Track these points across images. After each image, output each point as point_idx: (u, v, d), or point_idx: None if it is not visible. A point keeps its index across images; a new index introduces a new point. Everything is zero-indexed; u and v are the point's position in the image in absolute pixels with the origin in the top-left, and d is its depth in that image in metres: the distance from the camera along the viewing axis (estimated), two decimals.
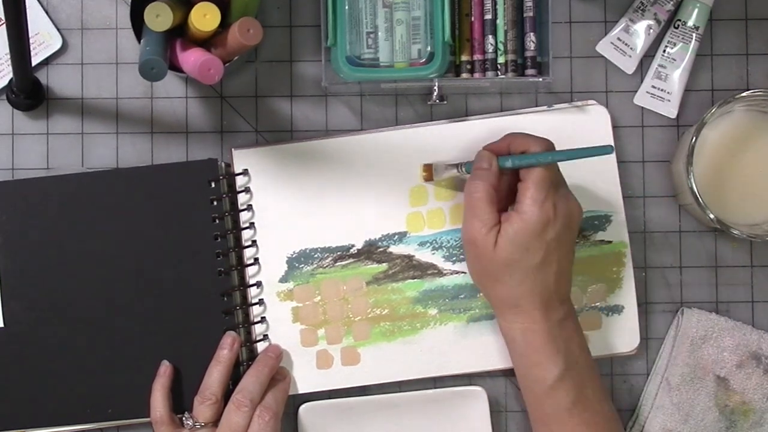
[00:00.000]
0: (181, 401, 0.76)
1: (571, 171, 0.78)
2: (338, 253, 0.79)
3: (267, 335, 0.78)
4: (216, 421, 0.74)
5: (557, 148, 0.78)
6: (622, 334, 0.79)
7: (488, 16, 0.78)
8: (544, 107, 0.79)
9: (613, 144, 0.78)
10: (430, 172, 0.78)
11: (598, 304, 0.79)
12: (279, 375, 0.77)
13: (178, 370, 0.77)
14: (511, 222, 0.69)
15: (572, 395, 0.70)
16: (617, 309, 0.79)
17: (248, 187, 0.78)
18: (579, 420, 0.70)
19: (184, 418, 0.75)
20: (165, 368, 0.76)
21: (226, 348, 0.76)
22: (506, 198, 0.73)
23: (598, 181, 0.79)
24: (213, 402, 0.73)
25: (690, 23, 0.79)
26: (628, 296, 0.79)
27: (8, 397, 0.77)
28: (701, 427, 0.78)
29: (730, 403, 0.78)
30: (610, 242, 0.79)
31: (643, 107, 0.80)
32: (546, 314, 0.70)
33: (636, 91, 0.80)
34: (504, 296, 0.71)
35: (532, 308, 0.70)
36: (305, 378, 0.78)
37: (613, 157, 0.78)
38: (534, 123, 0.79)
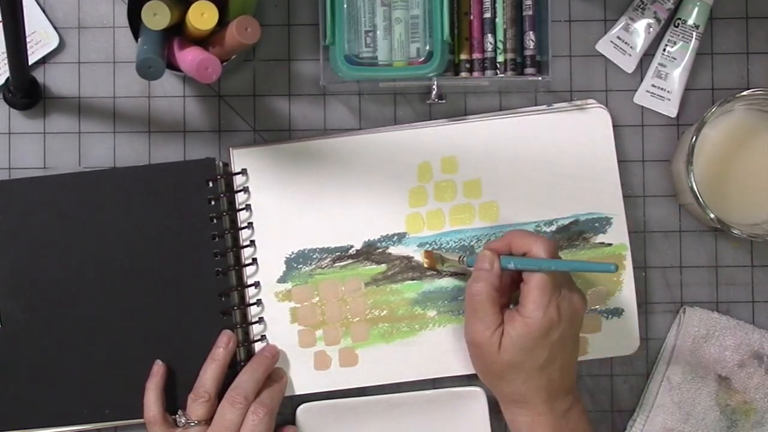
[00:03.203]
0: (179, 401, 0.76)
1: (571, 172, 0.78)
2: (337, 253, 0.79)
3: (265, 335, 0.78)
4: (209, 420, 0.73)
5: (557, 148, 0.78)
6: (622, 337, 0.79)
7: (487, 15, 0.77)
8: (544, 106, 0.79)
9: (614, 145, 0.78)
10: (432, 259, 0.78)
11: (597, 307, 0.79)
12: (276, 375, 0.77)
13: (176, 370, 0.77)
14: (514, 325, 0.69)
15: None
16: (617, 312, 0.79)
17: (246, 187, 0.78)
18: None
19: (177, 417, 0.75)
20: (158, 368, 0.76)
21: (222, 346, 0.75)
22: (509, 288, 0.73)
23: (598, 182, 0.78)
24: (206, 400, 0.73)
25: (690, 22, 0.79)
26: (628, 299, 0.79)
27: (5, 398, 0.77)
28: (702, 427, 0.78)
29: (732, 403, 0.78)
30: (610, 245, 0.79)
31: (643, 106, 0.80)
32: (551, 406, 0.70)
33: (636, 90, 0.80)
34: (509, 393, 0.71)
35: (538, 402, 0.70)
36: (303, 379, 0.78)
37: (614, 158, 0.78)
38: (534, 123, 0.78)
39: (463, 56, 0.78)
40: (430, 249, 0.78)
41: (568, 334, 0.70)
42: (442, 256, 0.77)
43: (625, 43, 0.80)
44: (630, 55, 0.80)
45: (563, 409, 0.71)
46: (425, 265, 0.78)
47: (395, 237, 0.79)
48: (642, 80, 0.80)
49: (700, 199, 0.73)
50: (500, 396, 0.73)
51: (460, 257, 0.76)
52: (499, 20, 0.77)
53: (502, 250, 0.72)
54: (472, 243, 0.79)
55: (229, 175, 0.78)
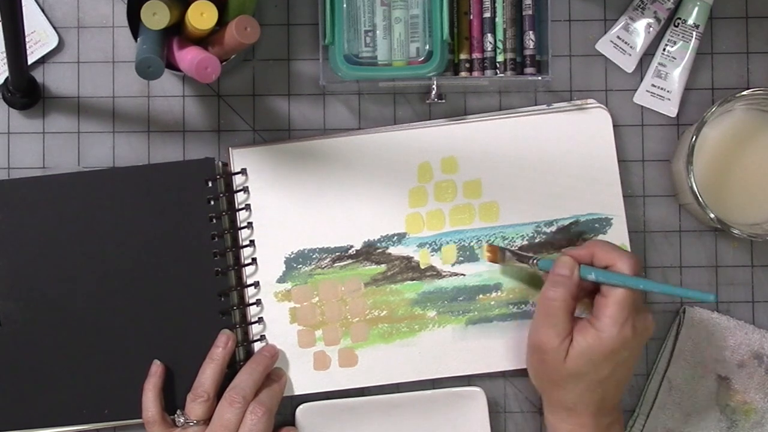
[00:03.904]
0: (178, 401, 0.76)
1: (571, 172, 0.78)
2: (337, 253, 0.78)
3: (264, 336, 0.78)
4: (208, 419, 0.73)
5: (557, 148, 0.78)
6: None
7: (487, 15, 0.77)
8: (544, 106, 0.79)
9: (615, 145, 0.78)
10: (495, 254, 0.77)
11: None
12: (275, 376, 0.77)
13: (175, 370, 0.76)
14: (585, 336, 0.69)
15: None
16: None
17: (246, 187, 0.78)
18: None
19: (176, 416, 0.74)
20: (156, 368, 0.76)
21: (221, 346, 0.75)
22: (580, 297, 0.73)
23: (598, 182, 0.78)
24: (205, 399, 0.73)
25: (690, 21, 0.79)
26: None
27: (4, 398, 0.77)
28: (702, 427, 0.78)
29: (732, 403, 0.78)
30: None
31: (643, 106, 0.80)
32: (596, 420, 0.70)
33: (636, 90, 0.80)
34: (562, 400, 0.71)
35: (586, 413, 0.70)
36: (302, 379, 0.78)
37: (614, 158, 0.78)
38: (534, 123, 0.78)
39: (463, 56, 0.78)
40: (494, 244, 0.77)
41: (635, 354, 0.70)
42: (509, 252, 0.76)
43: (625, 42, 0.80)
44: (630, 55, 0.80)
45: (606, 423, 0.71)
46: (486, 260, 0.77)
47: (395, 237, 0.79)
48: (642, 80, 0.80)
49: (700, 199, 0.73)
50: (549, 400, 0.73)
51: (532, 259, 0.75)
52: (498, 20, 0.77)
53: (583, 258, 0.71)
54: (472, 243, 0.78)
55: (228, 175, 0.78)
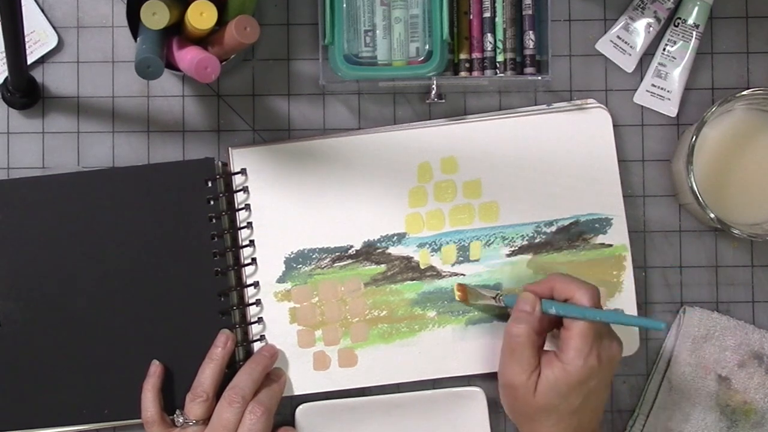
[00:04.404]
0: (178, 401, 0.76)
1: (571, 172, 0.78)
2: (336, 253, 0.78)
3: (264, 336, 0.78)
4: (207, 419, 0.73)
5: (557, 148, 0.78)
6: (622, 338, 0.78)
7: (487, 14, 0.77)
8: (543, 106, 0.79)
9: (615, 145, 0.78)
10: (464, 292, 0.77)
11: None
12: (274, 376, 0.77)
13: (175, 370, 0.76)
14: (552, 369, 0.69)
15: None
16: None
17: (245, 187, 0.78)
18: None
19: (175, 416, 0.74)
20: (155, 368, 0.76)
21: (220, 346, 0.75)
22: (546, 330, 0.73)
23: (598, 182, 0.78)
24: (204, 399, 0.73)
25: (690, 21, 0.79)
26: (628, 300, 0.78)
27: (3, 398, 0.77)
28: (702, 427, 0.77)
29: (732, 403, 0.78)
30: (610, 246, 0.78)
31: (642, 106, 0.80)
32: None
33: (636, 90, 0.80)
34: None
35: None
36: (302, 379, 0.78)
37: (614, 158, 0.78)
38: (534, 123, 0.78)
39: (463, 56, 0.78)
40: (463, 283, 0.78)
41: (605, 381, 0.70)
42: (477, 291, 0.77)
43: (625, 42, 0.79)
44: (630, 55, 0.80)
45: None
46: (457, 299, 0.78)
47: (395, 237, 0.79)
48: (642, 80, 0.80)
49: (700, 199, 0.73)
50: None
51: (497, 295, 0.75)
52: (498, 19, 0.77)
53: (544, 293, 0.72)
54: (471, 243, 0.78)
55: (228, 175, 0.78)
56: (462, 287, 0.78)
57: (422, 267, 0.79)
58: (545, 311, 0.71)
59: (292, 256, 0.78)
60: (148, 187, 0.77)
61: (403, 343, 0.78)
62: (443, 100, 0.77)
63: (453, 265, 0.79)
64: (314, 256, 0.78)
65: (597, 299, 0.70)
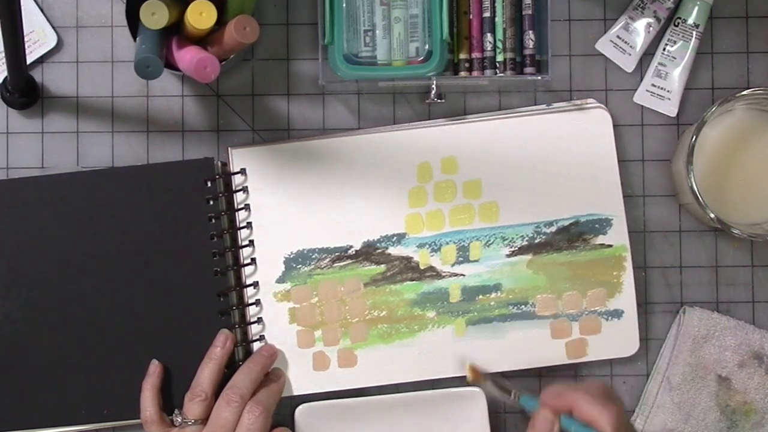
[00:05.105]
0: (177, 400, 0.76)
1: (571, 172, 0.78)
2: (336, 253, 0.78)
3: (263, 336, 0.78)
4: (206, 419, 0.73)
5: (557, 148, 0.78)
6: (622, 338, 0.78)
7: (487, 14, 0.77)
8: (543, 106, 0.79)
9: (615, 145, 0.78)
10: (477, 375, 0.75)
11: (597, 308, 0.78)
12: (274, 376, 0.77)
13: (175, 370, 0.76)
14: None
15: None
16: (617, 314, 0.78)
17: (245, 187, 0.78)
18: None
19: (174, 416, 0.74)
20: (154, 367, 0.76)
21: (219, 346, 0.75)
22: None
23: (598, 183, 0.78)
24: (203, 399, 0.73)
25: (690, 21, 0.79)
26: (628, 301, 0.78)
27: (3, 398, 0.77)
28: (702, 427, 0.77)
29: (732, 403, 0.77)
30: (610, 246, 0.78)
31: (642, 106, 0.80)
32: None
33: (636, 90, 0.80)
34: None
35: None
36: (301, 379, 0.78)
37: (614, 158, 0.78)
38: (534, 123, 0.78)
39: (463, 55, 0.78)
40: (477, 366, 0.75)
41: None
42: (492, 380, 0.74)
43: (625, 42, 0.79)
44: (630, 55, 0.79)
45: None
46: (468, 380, 0.75)
47: (395, 237, 0.79)
48: (642, 80, 0.80)
49: (700, 199, 0.73)
50: None
51: (514, 393, 0.73)
52: (498, 19, 0.77)
53: (563, 410, 0.70)
54: (471, 243, 0.78)
55: (227, 175, 0.78)
56: (475, 371, 0.75)
57: (422, 267, 0.79)
58: (564, 429, 0.69)
59: (291, 256, 0.78)
60: (147, 187, 0.77)
61: (403, 344, 0.78)
62: (443, 100, 0.77)
63: (453, 265, 0.79)
64: (314, 257, 0.78)
65: (620, 424, 0.67)
